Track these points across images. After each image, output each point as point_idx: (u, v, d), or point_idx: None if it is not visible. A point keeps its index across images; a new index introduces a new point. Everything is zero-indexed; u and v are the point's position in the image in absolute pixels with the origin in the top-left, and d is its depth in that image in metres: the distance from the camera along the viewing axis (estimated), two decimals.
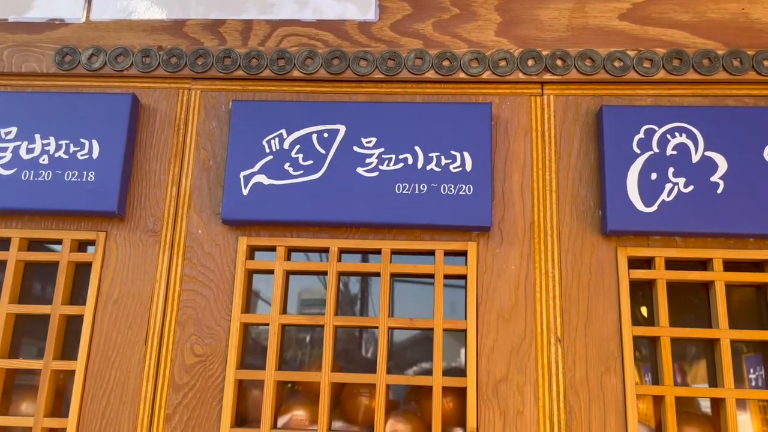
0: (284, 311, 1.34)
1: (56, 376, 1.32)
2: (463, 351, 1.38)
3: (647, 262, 1.31)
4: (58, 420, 1.27)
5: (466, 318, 1.28)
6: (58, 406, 1.33)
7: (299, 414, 1.33)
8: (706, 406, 1.32)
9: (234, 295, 1.31)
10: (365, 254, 1.40)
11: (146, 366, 1.29)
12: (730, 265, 1.29)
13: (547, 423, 1.22)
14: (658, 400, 1.26)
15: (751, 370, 1.31)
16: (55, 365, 1.29)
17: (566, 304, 1.28)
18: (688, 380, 1.34)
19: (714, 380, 1.28)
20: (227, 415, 1.24)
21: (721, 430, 1.23)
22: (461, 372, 1.35)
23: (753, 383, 1.31)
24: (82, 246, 1.39)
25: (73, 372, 1.30)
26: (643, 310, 1.35)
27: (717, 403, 1.27)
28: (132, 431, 1.25)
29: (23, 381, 1.38)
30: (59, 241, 1.36)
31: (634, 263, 1.30)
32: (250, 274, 1.36)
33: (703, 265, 1.31)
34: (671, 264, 1.29)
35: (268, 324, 1.30)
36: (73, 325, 1.36)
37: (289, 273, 1.37)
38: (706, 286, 1.31)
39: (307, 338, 1.42)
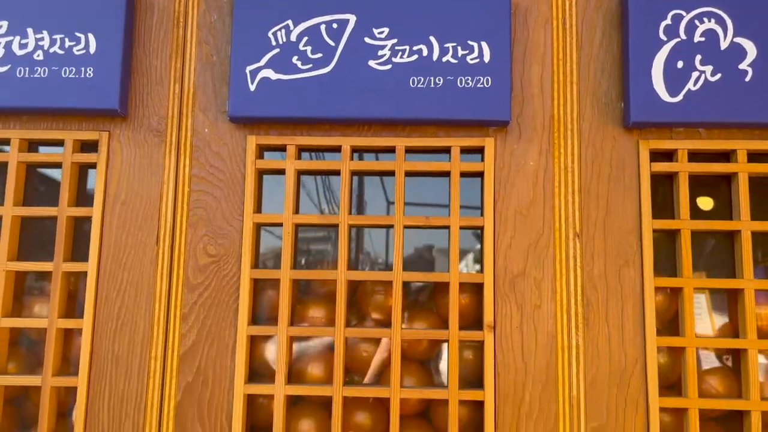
0: (297, 211, 1.31)
1: (67, 279, 1.30)
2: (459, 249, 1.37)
3: (668, 156, 1.27)
4: (74, 321, 1.26)
5: (482, 215, 1.26)
6: (71, 308, 1.32)
7: (313, 312, 1.33)
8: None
9: (245, 196, 1.27)
10: (361, 153, 1.36)
11: (159, 266, 1.27)
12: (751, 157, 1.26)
13: (565, 317, 1.22)
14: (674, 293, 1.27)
15: None
16: (66, 267, 1.27)
17: (585, 199, 1.25)
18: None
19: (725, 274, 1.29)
20: (244, 313, 1.24)
21: (739, 320, 1.24)
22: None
23: None
24: (84, 148, 1.34)
25: (83, 275, 1.28)
26: None
27: (734, 296, 1.27)
28: (149, 330, 1.25)
29: (31, 286, 1.37)
30: (60, 143, 1.31)
31: (656, 157, 1.26)
32: (260, 173, 1.32)
33: (726, 157, 1.28)
34: (693, 157, 1.26)
35: (281, 224, 1.28)
36: (78, 230, 1.33)
37: (300, 173, 1.33)
38: (726, 179, 1.29)
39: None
